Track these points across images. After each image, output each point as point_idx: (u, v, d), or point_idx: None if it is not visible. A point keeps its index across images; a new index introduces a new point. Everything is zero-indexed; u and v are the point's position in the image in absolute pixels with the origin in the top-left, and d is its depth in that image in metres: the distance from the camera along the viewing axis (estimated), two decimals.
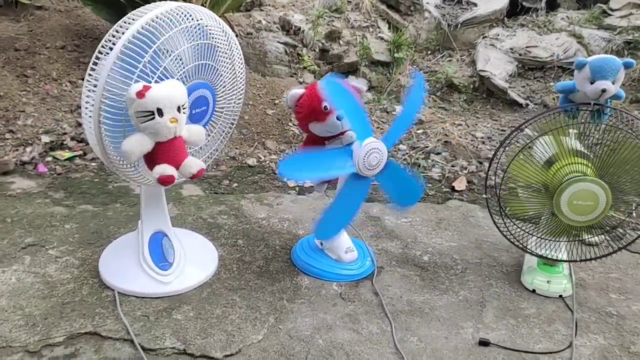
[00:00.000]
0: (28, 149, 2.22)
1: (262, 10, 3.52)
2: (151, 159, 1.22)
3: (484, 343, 1.32)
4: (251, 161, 2.37)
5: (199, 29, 1.29)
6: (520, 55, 3.32)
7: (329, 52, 3.29)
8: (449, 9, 3.68)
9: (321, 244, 1.64)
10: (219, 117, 1.50)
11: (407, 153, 2.58)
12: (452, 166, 2.50)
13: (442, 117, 3.00)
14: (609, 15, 3.68)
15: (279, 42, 3.18)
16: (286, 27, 3.33)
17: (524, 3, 3.77)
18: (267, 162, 2.39)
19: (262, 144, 2.54)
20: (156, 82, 1.20)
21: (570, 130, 1.48)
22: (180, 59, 1.26)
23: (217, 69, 1.39)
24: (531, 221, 1.56)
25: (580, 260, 1.53)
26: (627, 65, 1.46)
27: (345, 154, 1.40)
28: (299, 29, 3.31)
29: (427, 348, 1.30)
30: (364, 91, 1.52)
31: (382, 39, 3.47)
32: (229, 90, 1.47)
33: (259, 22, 3.28)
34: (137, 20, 1.20)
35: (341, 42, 3.38)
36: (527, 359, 1.29)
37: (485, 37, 3.51)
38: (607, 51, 3.33)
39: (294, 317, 1.38)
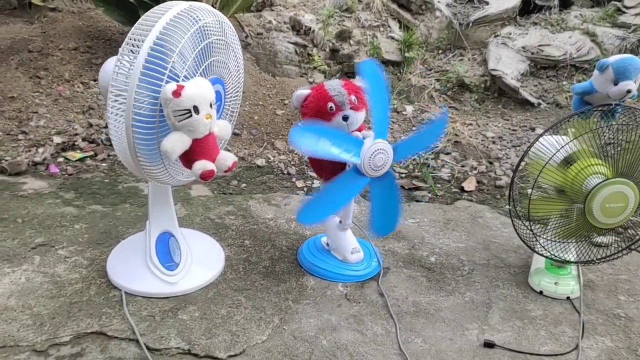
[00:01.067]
0: (40, 150, 2.25)
1: (272, 10, 3.52)
2: (188, 157, 1.24)
3: (488, 345, 1.32)
4: (260, 161, 2.38)
5: (212, 27, 1.31)
6: (532, 54, 3.29)
7: (339, 51, 3.29)
8: (460, 7, 3.66)
9: (327, 244, 1.65)
10: (226, 111, 1.51)
11: (429, 148, 2.56)
12: (462, 166, 2.48)
13: (453, 117, 2.99)
14: (624, 13, 3.63)
15: (289, 42, 3.18)
16: (296, 27, 3.33)
17: (536, 1, 3.73)
18: (276, 162, 2.40)
19: (272, 144, 2.54)
20: (182, 81, 1.22)
21: (569, 130, 1.46)
22: (198, 58, 1.28)
23: (227, 64, 1.40)
24: (541, 222, 1.54)
25: (588, 262, 1.51)
26: None
27: (351, 173, 1.41)
28: (310, 28, 3.31)
29: (431, 349, 1.30)
30: None
31: (392, 38, 3.45)
32: (235, 82, 1.49)
33: (269, 22, 3.29)
34: (155, 25, 1.20)
35: (352, 41, 3.37)
36: None
37: (497, 35, 3.48)
38: (621, 50, 3.28)
39: (299, 318, 1.38)
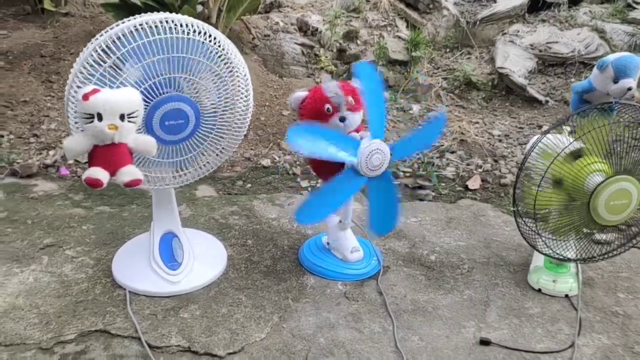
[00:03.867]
0: (51, 153, 2.31)
1: (280, 12, 3.56)
2: (89, 160, 1.26)
3: (484, 342, 1.33)
4: (265, 162, 2.41)
5: (182, 42, 1.30)
6: (540, 51, 3.28)
7: (346, 52, 3.31)
8: (467, 5, 3.65)
9: (327, 243, 1.67)
10: (208, 133, 1.47)
11: (427, 148, 2.57)
12: (467, 165, 2.49)
13: (459, 116, 2.99)
14: (634, 8, 3.60)
15: (295, 43, 3.21)
16: (303, 28, 3.35)
17: None
18: (282, 162, 2.43)
19: (277, 144, 2.57)
20: (117, 87, 1.25)
21: (564, 127, 1.47)
22: (149, 69, 1.29)
23: (205, 85, 1.38)
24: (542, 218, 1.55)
25: (587, 260, 1.51)
26: None
27: (348, 173, 1.43)
28: (317, 29, 3.33)
29: (428, 347, 1.32)
30: None
31: (399, 37, 3.46)
32: (221, 108, 1.44)
33: (277, 23, 3.32)
34: (110, 30, 1.27)
35: (359, 41, 3.39)
36: (528, 358, 1.29)
37: (505, 33, 3.47)
38: (631, 46, 3.26)
39: (298, 316, 1.41)
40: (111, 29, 1.27)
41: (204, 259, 1.59)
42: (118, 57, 1.25)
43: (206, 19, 2.79)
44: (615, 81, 1.48)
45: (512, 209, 1.56)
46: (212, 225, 1.85)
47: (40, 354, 1.24)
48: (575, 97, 1.65)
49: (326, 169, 1.51)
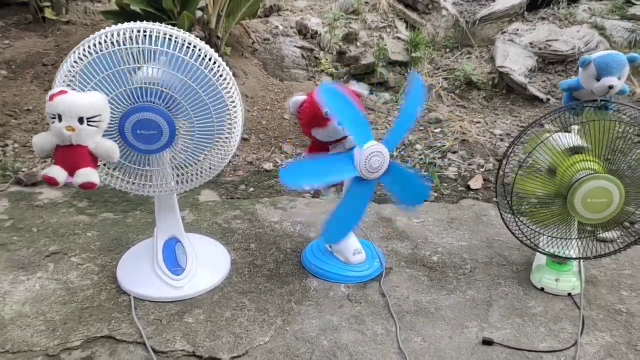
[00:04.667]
0: None
1: (280, 15, 3.57)
2: (54, 158, 1.30)
3: (487, 342, 1.34)
4: (268, 166, 2.42)
5: (159, 54, 1.30)
6: (540, 49, 3.28)
7: (346, 54, 3.32)
8: (467, 5, 3.66)
9: (330, 246, 1.68)
10: (187, 147, 1.43)
11: (423, 153, 2.59)
12: (469, 165, 2.49)
13: (461, 116, 3.00)
14: (634, 4, 3.60)
15: (296, 46, 3.23)
16: (303, 31, 3.37)
17: None
18: (284, 166, 2.44)
19: (280, 148, 2.59)
20: (89, 90, 1.29)
21: (574, 127, 1.48)
22: (120, 79, 1.31)
23: (176, 99, 1.35)
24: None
25: (585, 259, 1.52)
26: (632, 61, 1.45)
27: (346, 158, 1.43)
28: (316, 32, 3.35)
29: (431, 348, 1.33)
30: (365, 96, 1.55)
31: (399, 39, 3.47)
32: (200, 124, 1.40)
33: (276, 27, 3.33)
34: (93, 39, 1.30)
35: (358, 43, 3.40)
36: (530, 358, 1.30)
37: (505, 32, 3.48)
38: (631, 42, 3.26)
39: (301, 319, 1.42)
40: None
41: (208, 264, 1.60)
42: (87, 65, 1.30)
43: (206, 24, 2.82)
44: (598, 79, 1.48)
45: (495, 199, 1.58)
46: (216, 230, 1.86)
47: None
48: (566, 95, 1.66)
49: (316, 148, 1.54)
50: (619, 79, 1.45)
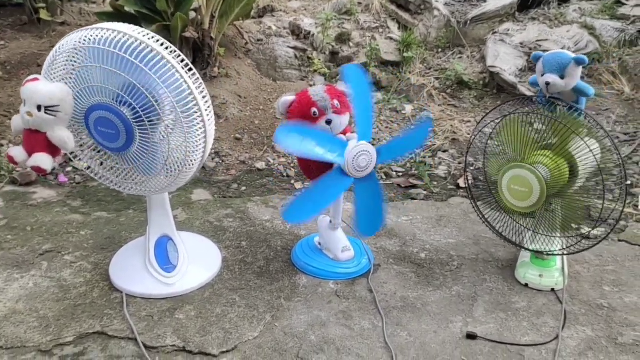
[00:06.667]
0: None
1: (273, 16, 3.60)
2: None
3: (471, 336, 1.37)
4: (260, 165, 2.45)
5: (118, 58, 1.30)
6: (530, 49, 3.31)
7: (339, 54, 3.35)
8: (458, 6, 3.69)
9: (319, 243, 1.71)
10: (145, 149, 1.39)
11: (413, 151, 2.62)
12: (459, 163, 2.53)
13: (452, 115, 3.03)
14: (623, 4, 3.64)
15: (288, 46, 3.25)
16: (296, 31, 3.40)
17: None
18: (276, 165, 2.47)
19: (272, 147, 2.62)
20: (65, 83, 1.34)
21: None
22: (83, 75, 1.34)
23: (131, 104, 1.33)
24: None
25: (547, 254, 1.57)
26: (578, 61, 1.46)
27: (335, 174, 1.47)
28: (309, 33, 3.38)
29: (416, 342, 1.36)
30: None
31: (391, 39, 3.50)
32: (161, 135, 1.38)
33: (269, 28, 3.36)
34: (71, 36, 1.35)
35: (351, 44, 3.43)
36: (512, 351, 1.33)
37: (495, 32, 3.51)
38: (620, 41, 3.29)
39: (290, 315, 1.45)
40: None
41: (199, 261, 1.63)
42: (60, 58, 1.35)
43: (199, 25, 2.84)
44: (543, 75, 1.52)
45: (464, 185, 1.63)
46: (207, 228, 1.89)
47: (40, 357, 1.28)
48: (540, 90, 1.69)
49: (314, 169, 1.55)
50: (562, 77, 1.48)
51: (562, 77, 1.47)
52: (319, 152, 1.42)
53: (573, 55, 1.47)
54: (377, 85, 3.25)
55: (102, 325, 1.38)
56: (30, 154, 1.35)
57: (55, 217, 1.94)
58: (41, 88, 1.30)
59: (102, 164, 1.51)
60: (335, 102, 1.48)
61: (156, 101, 1.33)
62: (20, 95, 1.32)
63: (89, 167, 1.54)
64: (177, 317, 1.43)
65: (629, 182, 1.43)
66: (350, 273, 1.63)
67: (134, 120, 1.34)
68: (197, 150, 1.41)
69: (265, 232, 1.87)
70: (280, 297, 1.52)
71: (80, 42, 1.31)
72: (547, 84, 1.49)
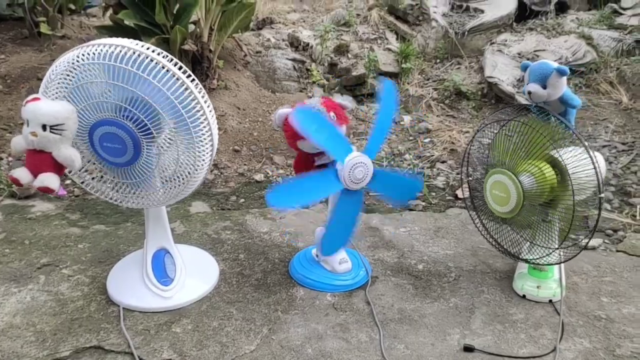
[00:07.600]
0: None
1: (272, 28, 3.62)
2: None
3: (468, 349, 1.37)
4: (258, 177, 2.46)
5: (121, 72, 1.31)
6: (528, 59, 3.33)
7: (337, 65, 3.37)
8: (456, 17, 3.71)
9: (317, 255, 1.71)
10: (149, 164, 1.42)
11: (412, 162, 2.63)
12: (457, 174, 2.53)
13: (450, 125, 3.04)
14: (621, 14, 3.65)
15: (287, 58, 3.27)
16: (295, 43, 3.42)
17: (533, 7, 3.77)
18: (274, 177, 2.48)
19: (270, 159, 2.62)
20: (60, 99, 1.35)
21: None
22: (87, 92, 1.34)
23: (138, 118, 1.35)
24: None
25: (536, 264, 1.57)
26: (560, 71, 1.47)
27: (330, 174, 1.47)
28: (308, 44, 3.40)
29: (413, 355, 1.35)
30: (349, 108, 1.59)
31: (389, 50, 3.52)
32: (166, 144, 1.43)
33: (268, 40, 3.38)
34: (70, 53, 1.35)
35: (349, 55, 3.45)
36: None
37: (493, 43, 3.53)
38: (618, 51, 3.31)
39: (287, 328, 1.45)
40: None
41: (196, 274, 1.63)
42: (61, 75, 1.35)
43: (198, 37, 2.86)
44: (528, 84, 1.54)
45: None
46: (205, 240, 1.89)
47: None
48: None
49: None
50: (545, 87, 1.49)
51: (544, 87, 1.48)
52: (327, 143, 1.43)
53: (556, 65, 1.48)
54: (376, 96, 3.27)
55: (99, 340, 1.38)
56: (35, 174, 1.33)
57: (54, 231, 1.94)
58: (45, 107, 1.28)
59: (102, 177, 1.51)
60: (332, 114, 1.48)
61: (162, 110, 1.34)
62: (22, 116, 1.30)
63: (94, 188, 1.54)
64: (174, 330, 1.42)
65: (602, 195, 1.43)
66: (348, 285, 1.63)
67: (140, 133, 1.36)
68: (204, 154, 1.42)
69: (263, 244, 1.88)
70: (277, 310, 1.52)
71: (78, 60, 1.32)
72: (529, 92, 1.51)
